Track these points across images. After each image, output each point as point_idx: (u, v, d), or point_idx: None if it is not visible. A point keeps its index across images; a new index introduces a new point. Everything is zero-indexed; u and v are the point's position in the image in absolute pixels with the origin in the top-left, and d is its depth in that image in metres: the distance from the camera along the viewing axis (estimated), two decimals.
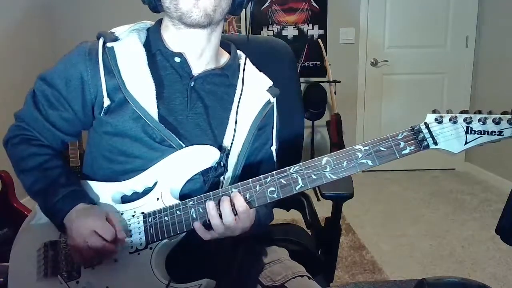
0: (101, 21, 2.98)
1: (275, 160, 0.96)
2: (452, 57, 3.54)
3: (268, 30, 3.53)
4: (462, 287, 1.10)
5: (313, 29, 3.54)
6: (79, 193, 0.82)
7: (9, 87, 2.63)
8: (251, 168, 0.91)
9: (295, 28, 3.54)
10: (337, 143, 3.22)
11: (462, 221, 2.65)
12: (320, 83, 3.40)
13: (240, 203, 0.74)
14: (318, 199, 1.18)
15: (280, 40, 1.25)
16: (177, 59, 0.87)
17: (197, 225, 0.76)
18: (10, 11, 2.78)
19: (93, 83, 0.83)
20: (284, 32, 3.54)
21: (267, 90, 0.93)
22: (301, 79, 3.28)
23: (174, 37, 0.87)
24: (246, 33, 3.34)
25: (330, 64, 3.35)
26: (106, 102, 0.82)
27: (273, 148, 0.96)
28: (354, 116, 3.69)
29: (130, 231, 0.80)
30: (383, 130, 3.69)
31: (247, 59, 0.93)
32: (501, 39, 3.20)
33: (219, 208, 0.74)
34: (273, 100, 0.93)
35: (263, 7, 3.48)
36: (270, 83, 0.95)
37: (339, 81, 3.32)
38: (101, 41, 0.84)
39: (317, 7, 3.51)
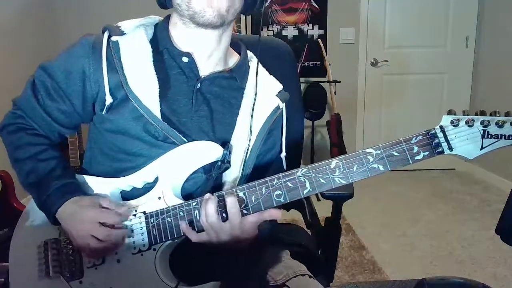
0: (103, 15, 2.96)
1: (285, 168, 0.93)
2: (452, 57, 3.54)
3: (268, 30, 3.52)
4: (462, 287, 1.10)
5: (313, 29, 3.54)
6: (72, 187, 0.80)
7: (9, 85, 2.62)
8: (256, 173, 0.88)
9: (295, 28, 3.54)
10: (337, 143, 3.21)
11: (462, 221, 2.65)
12: (320, 83, 3.40)
13: (231, 205, 0.71)
14: (318, 199, 1.17)
15: (280, 40, 1.25)
16: (185, 59, 0.84)
17: (184, 227, 0.75)
18: (9, 7, 2.77)
19: (94, 79, 0.81)
20: (284, 32, 3.53)
21: (276, 95, 0.90)
22: (301, 79, 3.27)
23: (182, 36, 0.85)
24: (246, 33, 3.36)
25: (330, 64, 3.34)
26: (108, 100, 0.80)
27: (283, 155, 0.93)
28: (354, 116, 3.68)
29: (132, 231, 0.78)
30: (383, 130, 3.69)
31: (259, 63, 0.89)
32: (501, 39, 3.20)
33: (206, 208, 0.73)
34: (283, 105, 0.90)
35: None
36: (280, 87, 0.92)
37: (339, 81, 3.31)
38: (106, 35, 0.82)
39: (317, 7, 3.50)
